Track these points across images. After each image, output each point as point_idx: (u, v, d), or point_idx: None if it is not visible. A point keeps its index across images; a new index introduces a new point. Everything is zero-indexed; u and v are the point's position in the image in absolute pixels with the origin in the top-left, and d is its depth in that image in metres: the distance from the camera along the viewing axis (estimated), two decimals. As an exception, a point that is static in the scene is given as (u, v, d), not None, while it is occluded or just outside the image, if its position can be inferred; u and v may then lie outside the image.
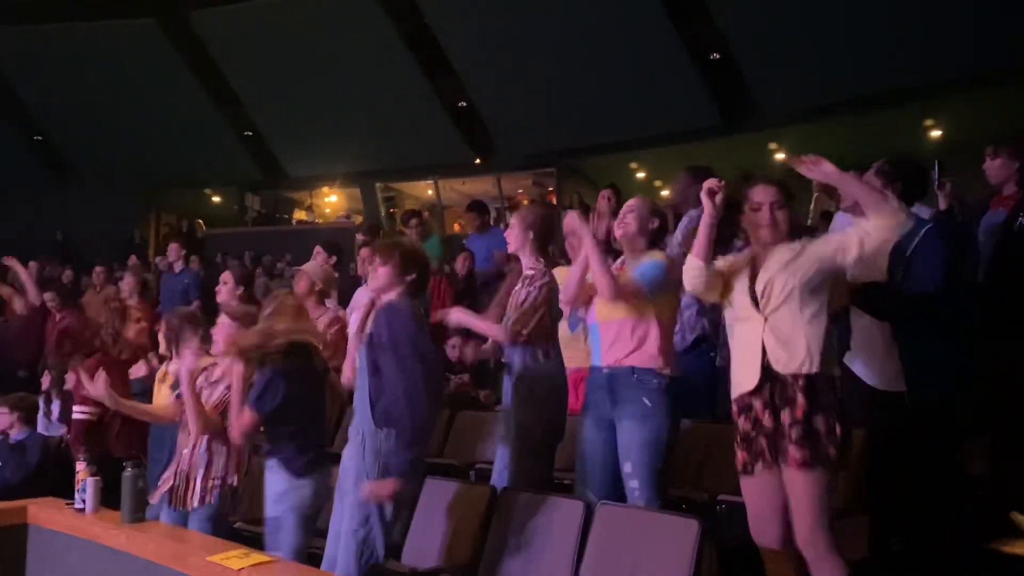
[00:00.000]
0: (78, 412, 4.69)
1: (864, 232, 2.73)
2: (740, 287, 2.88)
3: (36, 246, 12.85)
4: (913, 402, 3.23)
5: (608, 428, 3.31)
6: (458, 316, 3.87)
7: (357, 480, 3.03)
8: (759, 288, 2.80)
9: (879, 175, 3.50)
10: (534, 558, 3.18)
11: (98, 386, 3.83)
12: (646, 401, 3.22)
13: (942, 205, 4.33)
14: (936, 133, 13.82)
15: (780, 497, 2.73)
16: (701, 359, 4.22)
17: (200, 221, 18.50)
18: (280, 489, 3.38)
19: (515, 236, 3.79)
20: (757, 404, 2.75)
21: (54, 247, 14.85)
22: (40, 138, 18.59)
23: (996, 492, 3.67)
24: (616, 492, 3.28)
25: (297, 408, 3.36)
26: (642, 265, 3.31)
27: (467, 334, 5.50)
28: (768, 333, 2.76)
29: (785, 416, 2.70)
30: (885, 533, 3.25)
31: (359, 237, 6.82)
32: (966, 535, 3.36)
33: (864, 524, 3.27)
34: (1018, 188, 4.06)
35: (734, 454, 2.84)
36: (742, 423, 2.80)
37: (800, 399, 2.68)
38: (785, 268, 2.78)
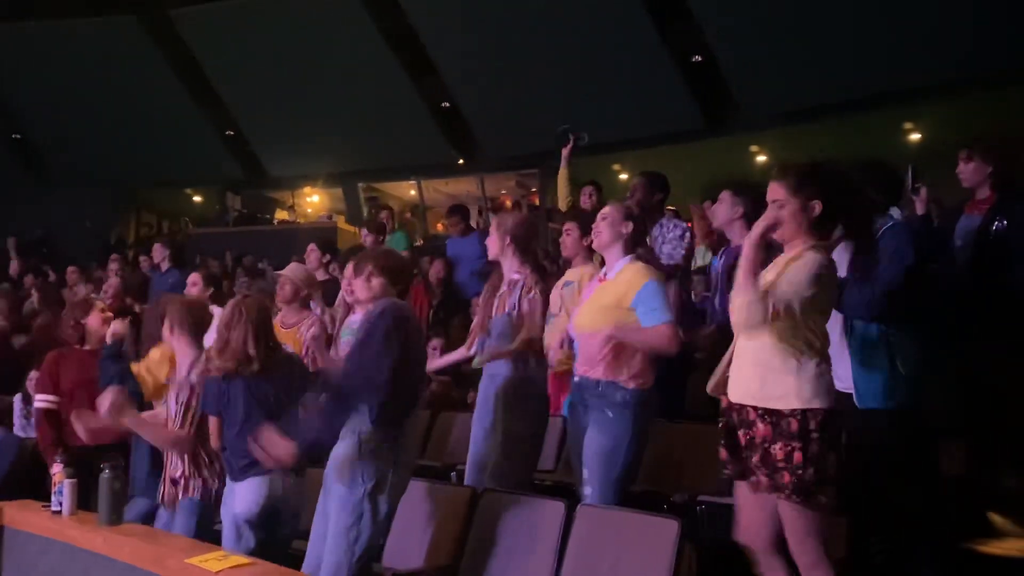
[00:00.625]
0: (39, 401, 4.67)
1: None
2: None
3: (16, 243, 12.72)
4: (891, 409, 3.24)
5: (583, 430, 3.38)
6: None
7: (350, 480, 3.01)
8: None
9: None
10: (515, 558, 3.18)
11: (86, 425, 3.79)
12: (608, 412, 3.29)
13: (919, 210, 4.35)
14: (915, 136, 13.94)
15: (759, 504, 2.67)
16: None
17: (187, 219, 18.40)
18: (225, 491, 3.40)
19: (494, 243, 3.84)
20: (733, 417, 2.72)
21: (34, 244, 14.67)
22: (19, 136, 18.39)
23: (974, 492, 3.70)
24: None
25: (232, 409, 3.34)
26: (641, 297, 3.29)
27: None
28: (736, 354, 2.73)
29: (742, 436, 2.66)
30: (864, 533, 3.27)
31: (365, 234, 6.83)
32: (945, 535, 3.39)
33: (843, 525, 3.29)
34: (992, 192, 4.08)
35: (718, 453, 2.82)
36: (724, 429, 2.78)
37: (760, 427, 2.61)
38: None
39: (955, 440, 3.65)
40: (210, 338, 3.70)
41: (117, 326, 4.47)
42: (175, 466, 3.58)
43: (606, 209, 3.54)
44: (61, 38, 16.11)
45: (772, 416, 2.58)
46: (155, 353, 4.21)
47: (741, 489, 2.73)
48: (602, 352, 3.19)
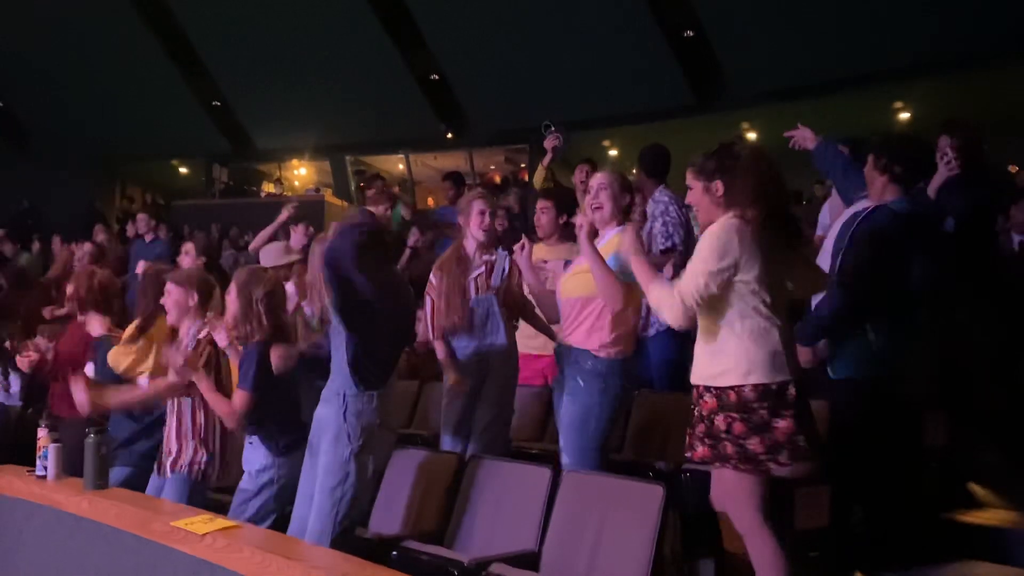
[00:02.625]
0: (21, 360, 4.65)
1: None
2: None
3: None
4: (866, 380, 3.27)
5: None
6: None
7: (336, 441, 3.02)
8: None
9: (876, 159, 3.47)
10: (500, 524, 3.20)
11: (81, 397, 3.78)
12: (579, 380, 3.32)
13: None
14: (905, 115, 13.96)
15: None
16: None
17: (153, 195, 18.34)
18: (259, 466, 3.41)
19: (485, 223, 3.86)
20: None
21: (18, 216, 14.54)
22: (1, 106, 18.17)
23: (954, 463, 3.75)
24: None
25: (280, 386, 3.38)
26: (615, 257, 3.28)
27: None
28: (698, 335, 2.76)
29: (695, 411, 2.72)
30: (846, 502, 3.31)
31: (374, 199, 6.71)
32: (925, 505, 3.44)
33: (825, 493, 3.33)
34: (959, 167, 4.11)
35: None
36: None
37: (708, 399, 2.66)
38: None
39: (937, 411, 3.68)
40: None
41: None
42: (169, 437, 3.61)
43: (603, 178, 3.47)
44: (45, 6, 15.86)
45: (716, 390, 2.64)
46: (129, 331, 4.19)
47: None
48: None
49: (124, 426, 3.98)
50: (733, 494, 2.65)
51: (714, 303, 2.63)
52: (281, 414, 3.42)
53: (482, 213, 3.88)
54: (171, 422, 3.64)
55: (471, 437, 3.81)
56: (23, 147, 18.33)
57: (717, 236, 2.62)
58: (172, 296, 3.73)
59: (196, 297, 3.72)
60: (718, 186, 2.72)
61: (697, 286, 2.60)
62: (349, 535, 3.00)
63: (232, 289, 3.48)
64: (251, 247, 6.30)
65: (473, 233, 3.89)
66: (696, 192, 2.79)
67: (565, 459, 3.31)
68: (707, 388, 2.66)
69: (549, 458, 3.57)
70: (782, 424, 2.57)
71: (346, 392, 3.04)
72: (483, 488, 3.33)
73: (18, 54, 16.44)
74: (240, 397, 3.36)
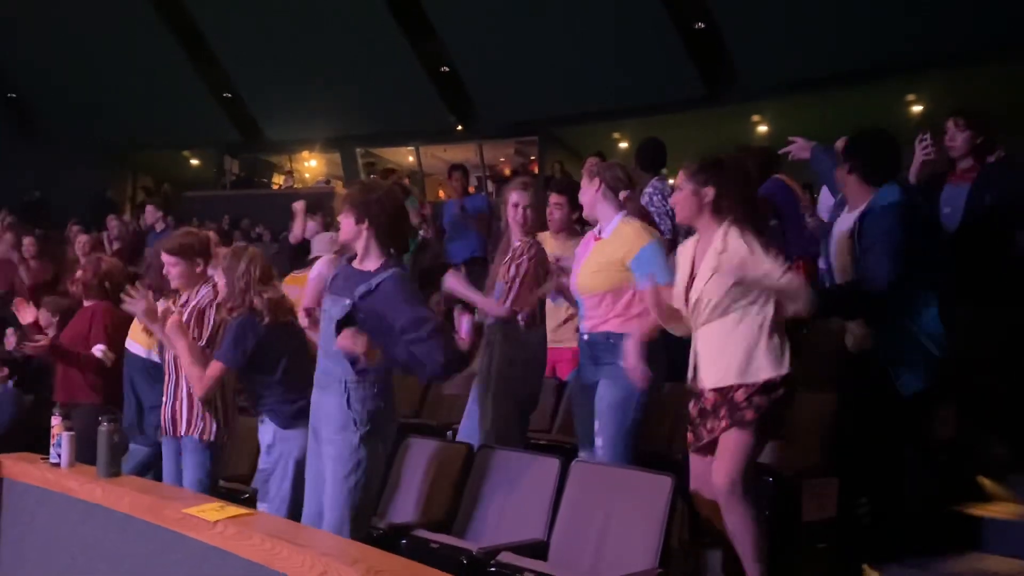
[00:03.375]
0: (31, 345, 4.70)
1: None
2: (680, 281, 2.96)
3: (10, 204, 12.67)
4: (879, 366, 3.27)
5: (592, 389, 3.41)
6: (453, 285, 3.86)
7: (343, 429, 3.04)
8: (692, 298, 2.89)
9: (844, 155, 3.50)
10: (509, 513, 3.23)
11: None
12: (620, 363, 3.29)
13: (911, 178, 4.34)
14: (917, 108, 13.87)
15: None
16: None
17: (166, 185, 18.41)
18: (268, 440, 3.45)
19: (519, 216, 3.83)
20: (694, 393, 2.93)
21: (29, 205, 14.62)
22: (14, 96, 18.25)
23: (962, 456, 3.74)
24: None
25: (277, 358, 3.41)
26: (640, 260, 3.33)
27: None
28: (700, 343, 2.89)
29: (707, 399, 2.85)
30: (853, 494, 3.32)
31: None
32: (933, 498, 3.43)
33: (833, 485, 3.34)
34: (976, 162, 4.11)
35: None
36: (691, 406, 2.96)
37: (736, 398, 2.80)
38: (710, 280, 2.84)
39: (946, 404, 3.67)
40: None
41: None
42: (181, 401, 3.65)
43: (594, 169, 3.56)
44: (57, -2, 15.94)
45: (749, 386, 2.79)
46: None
47: (696, 454, 2.95)
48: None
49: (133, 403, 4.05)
50: (726, 452, 2.79)
51: (744, 307, 2.80)
52: (280, 386, 3.45)
53: (515, 205, 3.88)
54: (173, 386, 3.68)
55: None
56: (35, 137, 18.42)
57: (756, 239, 2.81)
58: (175, 267, 3.75)
59: (201, 263, 3.76)
60: (708, 192, 2.89)
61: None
62: (367, 520, 3.03)
63: (219, 268, 3.55)
64: (292, 239, 6.41)
65: (509, 223, 3.92)
66: (684, 193, 2.93)
67: (598, 441, 3.32)
68: (739, 386, 2.78)
69: (559, 448, 3.58)
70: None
71: (347, 380, 3.04)
72: (492, 478, 3.36)
73: (31, 45, 16.52)
74: (212, 366, 3.44)
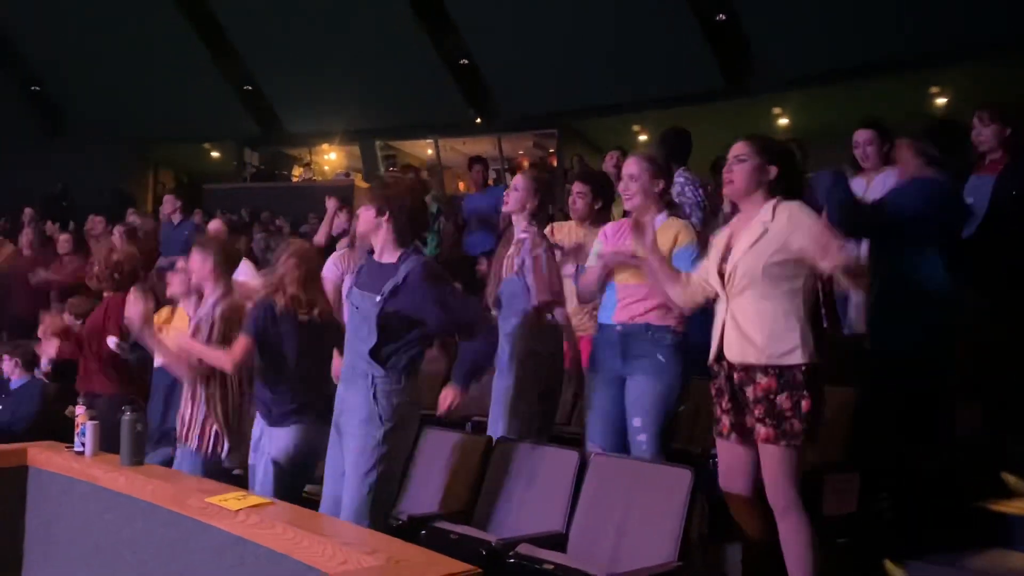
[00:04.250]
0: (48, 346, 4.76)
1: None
2: (713, 258, 2.90)
3: (34, 197, 12.81)
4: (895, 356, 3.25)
5: (617, 384, 3.36)
6: None
7: (368, 423, 3.05)
8: (727, 268, 2.82)
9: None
10: (528, 505, 3.23)
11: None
12: (660, 357, 3.28)
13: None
14: (941, 101, 13.71)
15: (748, 455, 2.81)
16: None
17: (182, 176, 18.59)
18: (256, 436, 3.47)
19: (518, 199, 3.80)
20: (720, 377, 2.85)
21: (52, 198, 14.76)
22: (37, 89, 18.43)
23: (986, 452, 3.71)
24: (622, 447, 3.34)
25: (283, 353, 3.41)
26: (678, 256, 3.29)
27: None
28: (729, 318, 2.80)
29: (749, 392, 2.75)
30: (875, 489, 3.30)
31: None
32: (956, 493, 3.41)
33: (854, 480, 3.32)
34: (1005, 154, 4.07)
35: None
36: (713, 389, 2.90)
37: (762, 380, 2.72)
38: (749, 251, 2.77)
39: (971, 401, 3.65)
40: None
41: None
42: (185, 407, 3.68)
43: (634, 168, 3.43)
44: (79, -9, 16.07)
45: (777, 369, 2.70)
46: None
47: (725, 443, 2.88)
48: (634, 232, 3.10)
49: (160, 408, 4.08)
50: (780, 470, 2.70)
51: (778, 282, 2.72)
52: (279, 383, 3.46)
53: (512, 188, 3.87)
54: (186, 394, 3.72)
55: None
56: (58, 130, 18.60)
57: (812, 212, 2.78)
58: (193, 261, 3.80)
59: (211, 261, 3.77)
60: (772, 170, 2.82)
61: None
62: (386, 515, 3.04)
63: (280, 258, 3.56)
64: (316, 241, 6.48)
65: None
66: (748, 167, 2.84)
67: (642, 438, 3.27)
68: (764, 368, 2.70)
69: (578, 441, 3.58)
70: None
71: (374, 375, 3.05)
72: (511, 470, 3.36)
73: (54, 39, 16.66)
74: (238, 343, 3.43)
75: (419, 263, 3.07)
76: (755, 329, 2.72)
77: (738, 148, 2.88)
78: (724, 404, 2.85)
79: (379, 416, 3.02)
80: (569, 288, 3.90)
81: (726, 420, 2.84)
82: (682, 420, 3.70)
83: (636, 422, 3.29)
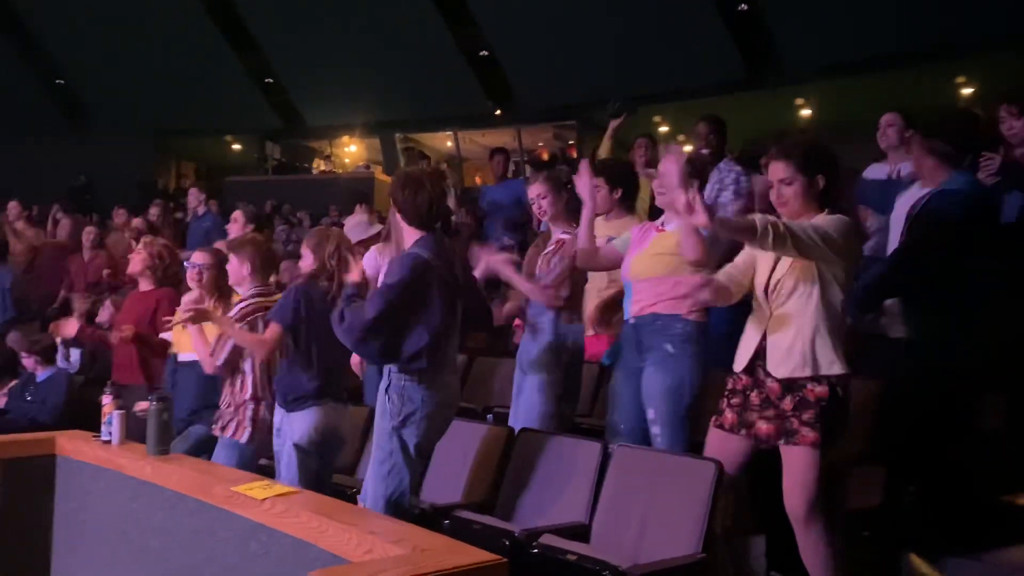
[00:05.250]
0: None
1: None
2: (761, 268, 2.87)
3: (57, 189, 12.95)
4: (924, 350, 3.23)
5: (637, 377, 3.36)
6: (499, 266, 3.83)
7: (381, 415, 3.09)
8: (773, 281, 2.80)
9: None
10: (550, 496, 3.23)
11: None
12: (668, 347, 3.26)
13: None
14: (967, 91, 13.54)
15: (740, 453, 2.88)
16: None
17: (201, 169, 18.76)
18: (276, 422, 3.51)
19: (549, 206, 3.81)
20: (744, 380, 2.86)
21: (75, 191, 14.93)
22: (62, 82, 18.61)
23: (1013, 446, 3.67)
24: (645, 441, 3.34)
25: (313, 339, 3.44)
26: None
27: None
28: (771, 330, 2.79)
29: (787, 404, 2.76)
30: (900, 482, 3.27)
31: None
32: (982, 487, 3.37)
33: (879, 473, 3.29)
34: None
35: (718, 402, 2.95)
36: (730, 383, 2.91)
37: (815, 389, 2.72)
38: (792, 265, 2.76)
39: (997, 393, 3.60)
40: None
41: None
42: (239, 396, 3.73)
43: (671, 167, 3.43)
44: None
45: (831, 379, 2.72)
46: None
47: (715, 435, 2.93)
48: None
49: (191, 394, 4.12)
50: (807, 475, 2.70)
51: (812, 291, 2.72)
52: (306, 370, 3.47)
53: (534, 197, 3.90)
54: (226, 385, 3.76)
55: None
56: (81, 123, 18.78)
57: (845, 220, 2.74)
58: (229, 264, 3.84)
59: (249, 266, 3.80)
60: (821, 181, 2.78)
61: (807, 231, 2.63)
62: (401, 508, 3.05)
63: (305, 250, 3.61)
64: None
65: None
66: (796, 188, 2.78)
67: (656, 430, 3.26)
68: (819, 378, 2.71)
69: (600, 432, 3.58)
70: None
71: (391, 369, 3.10)
72: (534, 461, 3.36)
73: (77, 34, 16.82)
74: (270, 330, 3.48)
75: (397, 259, 3.13)
76: (798, 342, 2.73)
77: (779, 171, 2.80)
78: (735, 402, 2.87)
79: (388, 411, 3.07)
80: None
81: (731, 416, 2.87)
82: (704, 413, 3.69)
83: (650, 414, 3.30)
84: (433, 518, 3.15)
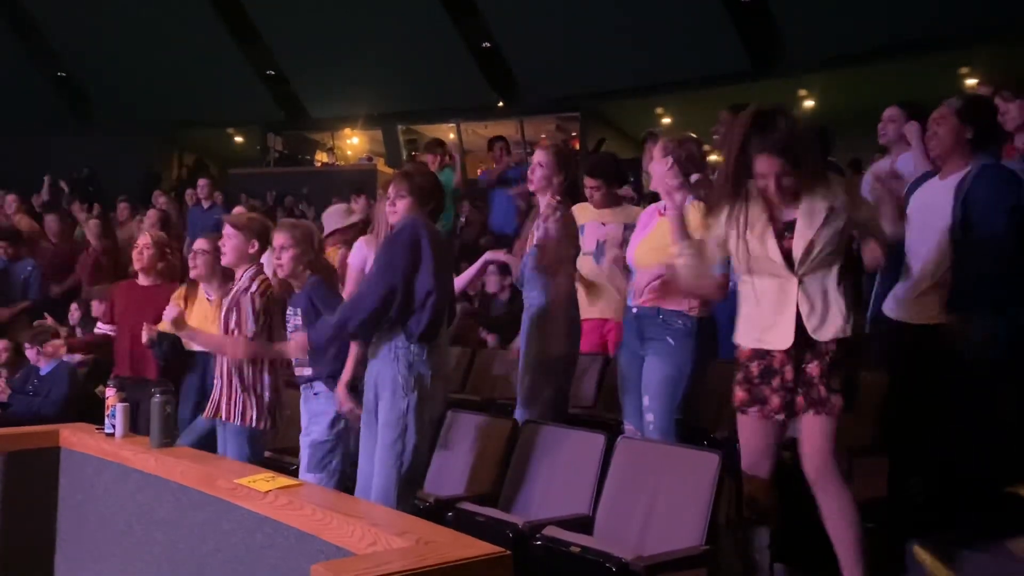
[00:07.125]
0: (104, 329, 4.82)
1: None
2: (764, 243, 2.81)
3: (61, 181, 12.95)
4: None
5: (639, 363, 3.38)
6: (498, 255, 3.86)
7: (392, 395, 3.08)
8: (797, 248, 2.75)
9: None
10: (554, 488, 3.23)
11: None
12: (670, 340, 3.27)
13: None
14: (971, 82, 13.47)
15: (775, 437, 2.84)
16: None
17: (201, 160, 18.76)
18: (333, 415, 3.50)
19: (543, 176, 3.79)
20: (779, 356, 2.78)
21: (78, 182, 14.92)
22: (64, 75, 18.59)
23: (1020, 436, 3.65)
24: None
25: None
26: None
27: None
28: (802, 295, 2.75)
29: (812, 369, 2.73)
30: (904, 473, 3.26)
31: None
32: (988, 478, 3.36)
33: (883, 464, 3.29)
34: None
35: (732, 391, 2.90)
36: (753, 367, 2.83)
37: (828, 358, 2.72)
38: (824, 227, 2.73)
39: (1011, 384, 3.58)
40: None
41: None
42: (224, 385, 3.71)
43: (671, 150, 3.40)
44: (104, -23, 16.16)
45: (846, 342, 2.74)
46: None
47: (747, 424, 2.86)
48: (650, 285, 3.19)
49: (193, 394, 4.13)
50: (827, 439, 2.74)
51: (837, 258, 2.75)
52: (337, 359, 3.48)
53: (535, 164, 3.89)
54: (221, 368, 3.74)
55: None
56: (85, 115, 18.76)
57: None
58: (231, 240, 3.78)
59: (256, 245, 3.78)
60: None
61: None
62: (415, 487, 3.06)
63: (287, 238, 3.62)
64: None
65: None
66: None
67: (649, 416, 3.29)
68: (839, 341, 2.73)
69: (603, 424, 3.57)
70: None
71: (396, 346, 3.09)
72: (537, 453, 3.36)
73: (80, 25, 16.78)
74: (299, 338, 3.49)
75: (407, 222, 3.17)
76: (833, 303, 2.74)
77: (769, 164, 2.81)
78: (775, 384, 2.79)
79: (403, 387, 3.07)
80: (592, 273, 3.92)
81: (777, 400, 2.80)
82: (709, 404, 3.68)
83: (645, 400, 3.32)
84: (437, 511, 3.16)
